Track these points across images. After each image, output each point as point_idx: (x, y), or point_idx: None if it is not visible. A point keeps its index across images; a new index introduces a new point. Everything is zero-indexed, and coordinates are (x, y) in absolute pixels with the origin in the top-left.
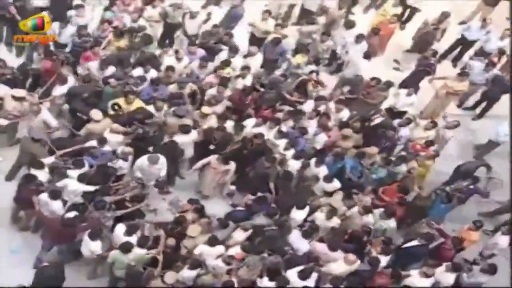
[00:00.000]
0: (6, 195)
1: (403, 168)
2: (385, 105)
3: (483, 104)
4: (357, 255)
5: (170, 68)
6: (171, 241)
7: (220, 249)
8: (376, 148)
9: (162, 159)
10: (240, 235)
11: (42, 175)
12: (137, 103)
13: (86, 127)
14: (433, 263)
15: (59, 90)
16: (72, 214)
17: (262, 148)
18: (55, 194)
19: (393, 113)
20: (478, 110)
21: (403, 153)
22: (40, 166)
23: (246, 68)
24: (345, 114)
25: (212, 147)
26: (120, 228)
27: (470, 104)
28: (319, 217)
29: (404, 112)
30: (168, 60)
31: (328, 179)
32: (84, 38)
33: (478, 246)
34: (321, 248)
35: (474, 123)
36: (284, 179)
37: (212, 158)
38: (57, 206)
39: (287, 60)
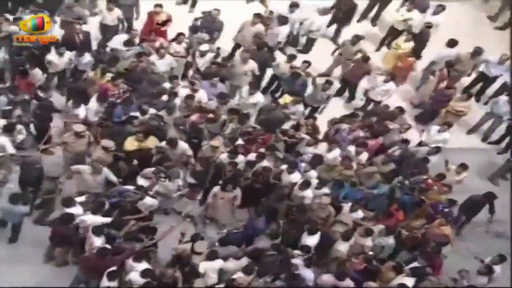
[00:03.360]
0: None
1: None
2: None
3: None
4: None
5: (190, 97)
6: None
7: (219, 263)
8: (374, 168)
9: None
10: (233, 265)
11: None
12: (152, 141)
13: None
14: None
15: None
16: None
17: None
18: (99, 230)
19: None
20: (503, 144)
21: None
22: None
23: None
24: (364, 156)
25: (221, 182)
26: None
27: (495, 138)
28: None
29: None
30: (183, 91)
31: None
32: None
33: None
34: (328, 279)
35: (499, 157)
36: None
37: (217, 189)
38: (99, 242)
39: None
